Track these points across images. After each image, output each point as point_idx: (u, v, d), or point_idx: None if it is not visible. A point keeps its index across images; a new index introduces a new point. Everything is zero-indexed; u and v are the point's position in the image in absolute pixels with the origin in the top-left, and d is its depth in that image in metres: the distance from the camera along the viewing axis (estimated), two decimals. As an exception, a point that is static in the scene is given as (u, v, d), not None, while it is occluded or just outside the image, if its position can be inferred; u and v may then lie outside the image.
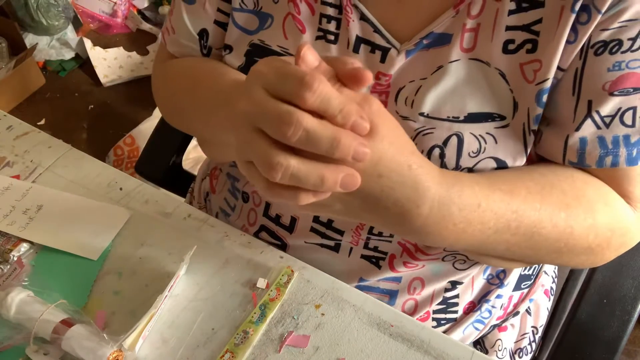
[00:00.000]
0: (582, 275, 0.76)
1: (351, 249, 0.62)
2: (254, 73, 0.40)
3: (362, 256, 0.62)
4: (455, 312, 0.66)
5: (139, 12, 2.27)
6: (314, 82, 0.36)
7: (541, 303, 0.74)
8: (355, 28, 0.54)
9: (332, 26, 0.55)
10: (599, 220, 0.51)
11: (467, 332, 0.67)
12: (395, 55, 0.53)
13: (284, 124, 0.36)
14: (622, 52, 0.48)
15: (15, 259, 0.58)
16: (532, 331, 0.72)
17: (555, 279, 0.79)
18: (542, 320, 0.74)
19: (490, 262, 0.59)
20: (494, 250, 0.51)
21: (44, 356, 0.51)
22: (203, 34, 0.63)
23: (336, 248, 0.63)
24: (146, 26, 2.22)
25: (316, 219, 0.62)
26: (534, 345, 0.72)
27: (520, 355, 0.71)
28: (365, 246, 0.62)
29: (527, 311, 0.72)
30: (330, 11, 0.54)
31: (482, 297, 0.68)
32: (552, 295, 0.76)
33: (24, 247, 0.59)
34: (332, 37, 0.55)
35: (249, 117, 0.38)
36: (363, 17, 0.53)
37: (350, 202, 0.42)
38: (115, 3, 2.18)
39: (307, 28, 0.55)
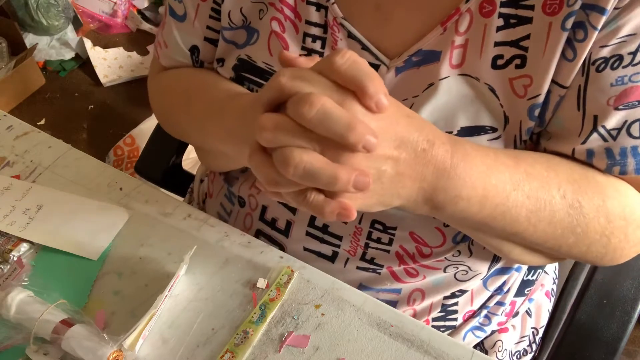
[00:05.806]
0: (582, 275, 0.76)
1: (347, 259, 0.62)
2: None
3: (358, 267, 0.62)
4: (455, 319, 0.66)
5: (139, 12, 2.27)
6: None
7: (542, 304, 0.74)
8: (343, 46, 0.53)
9: (317, 45, 0.55)
10: (609, 204, 0.50)
11: (468, 340, 0.67)
12: (385, 72, 0.53)
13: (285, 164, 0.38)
14: (624, 67, 0.47)
15: (15, 259, 0.58)
16: (532, 332, 0.72)
17: (556, 280, 0.79)
18: (543, 321, 0.74)
19: (513, 252, 0.54)
20: (517, 222, 0.48)
21: (44, 356, 0.51)
22: (194, 49, 0.63)
23: (332, 258, 0.63)
24: (146, 26, 2.22)
25: (312, 224, 0.62)
26: (534, 346, 0.72)
27: (520, 356, 0.71)
28: (362, 257, 0.61)
29: (528, 312, 0.72)
30: (315, 30, 0.54)
31: (482, 305, 0.67)
32: (552, 296, 0.76)
33: (24, 247, 0.59)
34: (317, 57, 0.55)
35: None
36: (350, 36, 0.53)
37: (398, 157, 0.42)
38: (115, 3, 2.18)
39: (291, 46, 0.55)
